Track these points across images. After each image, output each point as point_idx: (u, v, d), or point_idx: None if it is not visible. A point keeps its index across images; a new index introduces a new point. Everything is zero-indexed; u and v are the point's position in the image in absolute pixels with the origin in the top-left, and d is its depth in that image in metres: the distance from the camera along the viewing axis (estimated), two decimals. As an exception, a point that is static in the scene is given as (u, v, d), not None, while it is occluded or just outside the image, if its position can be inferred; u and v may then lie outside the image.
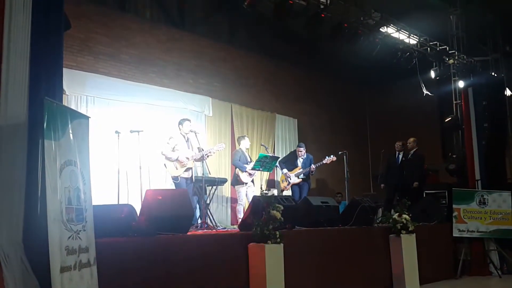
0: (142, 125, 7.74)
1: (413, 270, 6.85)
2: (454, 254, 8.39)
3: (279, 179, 9.09)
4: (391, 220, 7.00)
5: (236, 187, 8.68)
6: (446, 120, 11.03)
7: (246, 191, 8.50)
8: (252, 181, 8.69)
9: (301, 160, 9.40)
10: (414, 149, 9.78)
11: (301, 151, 9.48)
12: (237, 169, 8.58)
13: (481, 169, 9.15)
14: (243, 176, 8.47)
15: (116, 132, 6.94)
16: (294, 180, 9.26)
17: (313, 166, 9.23)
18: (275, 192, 10.04)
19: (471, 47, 10.76)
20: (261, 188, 8.49)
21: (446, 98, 11.38)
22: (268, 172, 9.04)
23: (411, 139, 9.86)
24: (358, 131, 14.44)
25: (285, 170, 9.35)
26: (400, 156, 9.89)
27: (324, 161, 9.30)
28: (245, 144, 8.80)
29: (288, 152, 11.19)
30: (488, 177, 9.06)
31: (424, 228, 7.77)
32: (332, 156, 9.29)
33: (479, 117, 9.51)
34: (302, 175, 9.27)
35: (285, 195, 7.62)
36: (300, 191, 9.26)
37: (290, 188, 9.35)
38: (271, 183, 10.62)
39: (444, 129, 11.57)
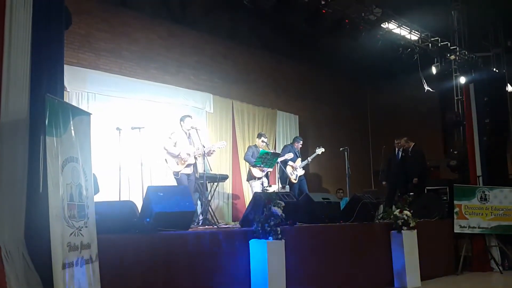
0: (143, 122, 7.72)
1: (414, 266, 6.85)
2: (456, 250, 8.40)
3: (289, 173, 9.13)
4: (392, 216, 7.00)
5: (250, 182, 8.80)
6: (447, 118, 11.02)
7: (260, 187, 8.56)
8: (267, 176, 8.76)
9: (297, 152, 9.53)
10: (411, 146, 9.77)
11: (300, 145, 9.65)
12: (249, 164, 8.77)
13: (482, 165, 9.12)
14: (255, 171, 8.57)
15: (117, 128, 6.93)
16: (300, 172, 9.34)
17: (309, 158, 9.50)
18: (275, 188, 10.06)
19: (473, 42, 10.74)
20: (262, 184, 8.51)
21: (447, 94, 11.36)
22: (270, 169, 9.03)
23: (403, 139, 9.80)
24: (359, 127, 14.42)
25: (291, 162, 9.34)
26: (400, 153, 9.88)
27: (317, 152, 9.50)
28: (259, 141, 8.97)
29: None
30: (490, 173, 9.04)
31: (425, 224, 7.77)
32: (321, 147, 9.55)
33: (480, 113, 9.49)
34: (303, 166, 9.43)
35: (287, 192, 7.63)
36: (299, 186, 9.28)
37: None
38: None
39: (445, 125, 11.56)
